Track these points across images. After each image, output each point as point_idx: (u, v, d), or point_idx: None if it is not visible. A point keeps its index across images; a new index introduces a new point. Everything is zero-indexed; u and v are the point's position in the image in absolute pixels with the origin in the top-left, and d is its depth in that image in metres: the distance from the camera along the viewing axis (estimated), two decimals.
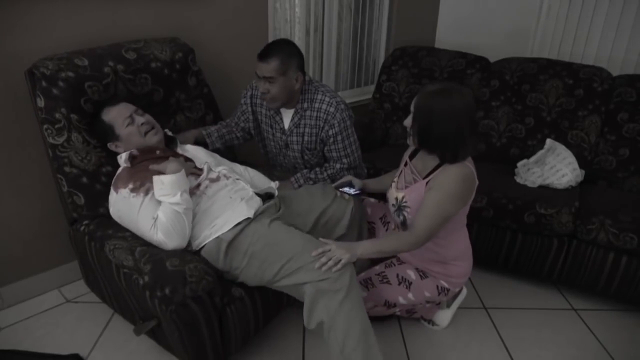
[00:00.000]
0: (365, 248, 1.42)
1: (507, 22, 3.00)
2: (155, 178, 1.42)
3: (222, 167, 1.65)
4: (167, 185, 1.41)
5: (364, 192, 1.75)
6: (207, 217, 1.46)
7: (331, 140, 1.80)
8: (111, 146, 1.56)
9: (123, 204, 1.44)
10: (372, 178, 1.83)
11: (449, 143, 1.38)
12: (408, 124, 1.43)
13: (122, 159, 1.53)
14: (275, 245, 1.39)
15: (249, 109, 1.91)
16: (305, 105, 1.79)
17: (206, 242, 1.45)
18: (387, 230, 1.79)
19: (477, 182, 1.46)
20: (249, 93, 1.90)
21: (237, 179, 1.60)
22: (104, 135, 1.56)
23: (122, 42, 1.74)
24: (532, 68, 2.41)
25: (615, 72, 2.40)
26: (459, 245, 1.59)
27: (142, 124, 1.55)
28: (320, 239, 1.43)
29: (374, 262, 1.75)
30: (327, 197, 1.66)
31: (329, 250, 1.35)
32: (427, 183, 1.46)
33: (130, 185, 1.44)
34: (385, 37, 3.11)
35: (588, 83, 2.29)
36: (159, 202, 1.42)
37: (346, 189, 1.70)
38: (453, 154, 1.40)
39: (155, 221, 1.39)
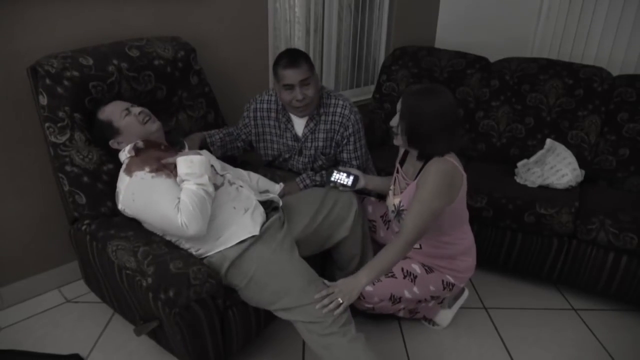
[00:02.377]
0: (369, 276, 1.43)
1: (507, 22, 3.01)
2: (182, 158, 1.39)
3: (227, 172, 1.62)
4: (196, 164, 1.38)
5: (364, 190, 1.74)
6: (210, 228, 1.41)
7: (344, 141, 1.82)
8: (113, 144, 1.53)
9: (140, 185, 1.38)
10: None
11: (433, 141, 1.43)
12: (394, 124, 1.47)
13: (126, 150, 1.49)
14: (276, 276, 1.37)
15: (252, 122, 1.90)
16: (321, 110, 1.80)
17: (209, 254, 1.43)
18: (388, 229, 1.79)
19: (464, 174, 1.49)
20: (252, 106, 1.89)
21: (241, 187, 1.57)
22: (103, 134, 1.53)
23: (125, 40, 1.74)
24: (532, 68, 2.41)
25: (615, 72, 2.40)
26: (465, 241, 1.62)
27: (139, 113, 1.52)
28: (324, 281, 1.42)
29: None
30: (331, 199, 1.66)
31: (332, 293, 1.36)
32: (416, 183, 1.49)
33: (147, 168, 1.40)
34: (385, 37, 3.11)
35: (588, 83, 2.29)
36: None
37: (343, 176, 1.68)
38: (435, 150, 1.45)
39: (178, 203, 1.34)
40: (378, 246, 1.85)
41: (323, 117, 1.81)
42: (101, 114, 1.53)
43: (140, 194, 1.38)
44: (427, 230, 1.47)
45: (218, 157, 1.84)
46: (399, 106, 1.45)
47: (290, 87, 1.69)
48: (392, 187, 1.64)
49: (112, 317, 1.79)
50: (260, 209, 1.53)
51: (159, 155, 1.47)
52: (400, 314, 1.69)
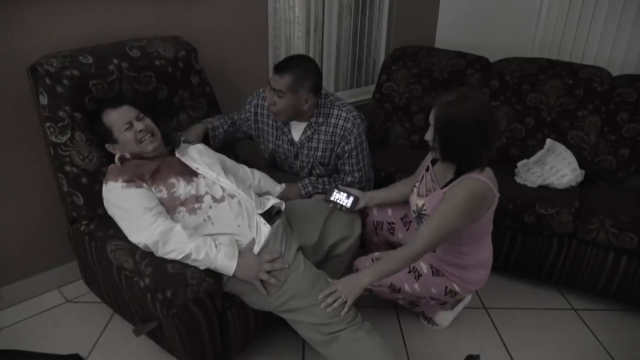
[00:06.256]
0: (372, 277, 1.41)
1: (507, 22, 3.00)
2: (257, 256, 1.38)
3: (227, 181, 1.52)
4: (244, 263, 1.35)
5: (363, 207, 1.71)
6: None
7: (346, 155, 1.78)
8: (109, 147, 1.55)
9: (111, 195, 1.40)
10: (380, 188, 1.79)
11: (472, 151, 1.36)
12: (430, 138, 1.41)
13: (116, 157, 1.52)
14: (281, 282, 1.37)
15: (252, 117, 1.88)
16: (321, 119, 1.76)
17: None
18: (407, 230, 1.75)
19: (496, 194, 1.42)
20: (254, 101, 1.87)
21: (240, 200, 1.50)
22: (102, 136, 1.55)
23: (125, 40, 1.74)
24: (532, 68, 2.41)
25: (615, 72, 2.40)
26: (481, 253, 1.58)
27: (140, 130, 1.50)
28: (327, 278, 1.42)
29: (391, 246, 1.76)
30: (335, 221, 1.65)
31: (336, 291, 1.35)
32: (443, 194, 1.44)
33: (121, 179, 1.40)
34: (385, 37, 3.11)
35: (588, 83, 2.29)
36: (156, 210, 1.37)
37: (343, 196, 1.67)
38: (474, 162, 1.39)
39: (158, 219, 1.34)
40: (393, 248, 1.84)
41: (323, 127, 1.76)
42: (105, 118, 1.52)
43: (109, 202, 1.42)
44: (442, 243, 1.44)
45: (217, 148, 1.82)
46: (431, 119, 1.39)
47: (270, 86, 1.68)
48: (417, 185, 1.58)
49: (112, 317, 1.79)
50: (261, 221, 1.47)
51: (140, 164, 1.46)
52: (400, 302, 1.67)
